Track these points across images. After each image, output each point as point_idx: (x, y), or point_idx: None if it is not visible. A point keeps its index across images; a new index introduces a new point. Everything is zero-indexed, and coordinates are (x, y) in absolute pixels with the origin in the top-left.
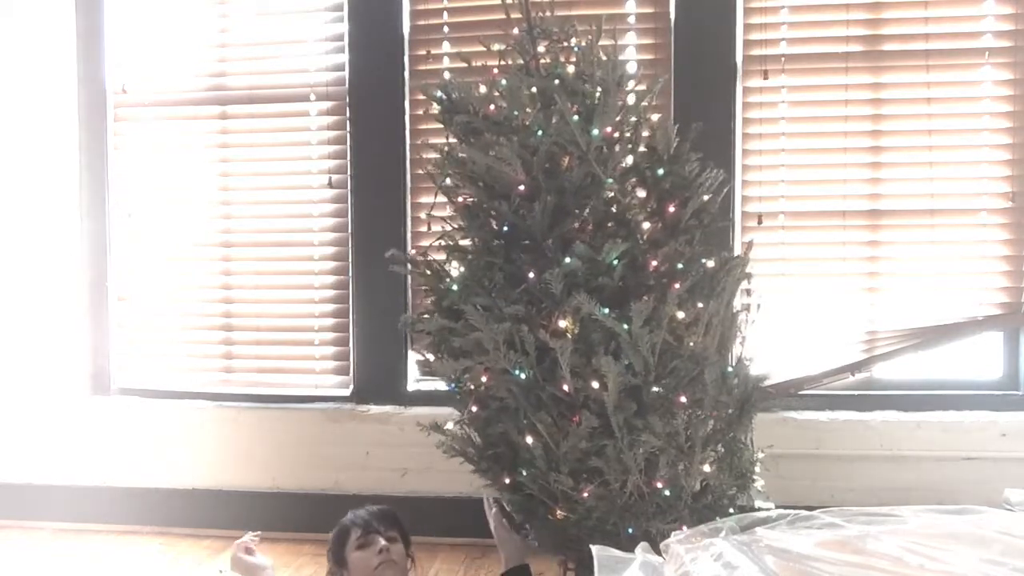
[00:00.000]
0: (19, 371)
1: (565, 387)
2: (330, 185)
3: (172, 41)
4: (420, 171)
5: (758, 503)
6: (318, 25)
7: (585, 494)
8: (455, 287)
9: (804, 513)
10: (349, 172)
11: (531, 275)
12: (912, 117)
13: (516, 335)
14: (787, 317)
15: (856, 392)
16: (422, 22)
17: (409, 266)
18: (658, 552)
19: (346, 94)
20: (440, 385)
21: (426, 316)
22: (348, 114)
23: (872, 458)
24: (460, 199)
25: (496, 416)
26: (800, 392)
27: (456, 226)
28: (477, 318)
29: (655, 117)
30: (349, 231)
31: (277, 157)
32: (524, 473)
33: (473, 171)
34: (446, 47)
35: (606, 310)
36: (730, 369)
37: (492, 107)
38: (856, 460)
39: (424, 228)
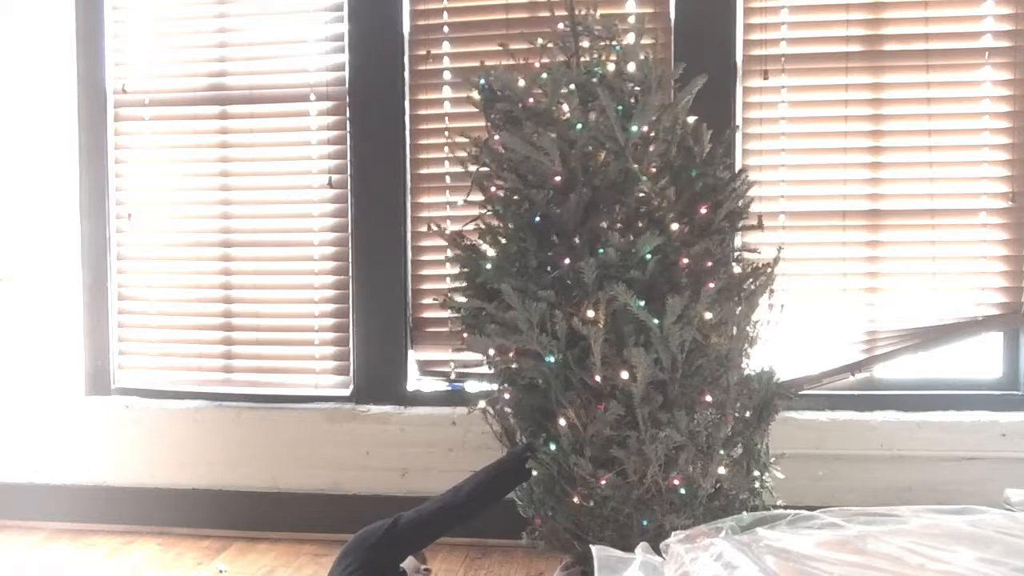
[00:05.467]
0: (19, 371)
1: (597, 377)
2: (330, 185)
3: (172, 41)
4: (421, 171)
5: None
6: (318, 25)
7: (603, 481)
8: (489, 266)
9: (804, 513)
10: (349, 172)
11: (566, 261)
12: (912, 117)
13: (549, 318)
14: (787, 317)
15: (856, 392)
16: (422, 22)
17: (448, 249)
18: (658, 552)
19: (346, 94)
20: (440, 385)
21: (458, 296)
22: (348, 114)
23: (872, 458)
24: (493, 189)
25: (526, 395)
26: (800, 392)
27: (489, 210)
28: (513, 297)
29: (691, 119)
30: (349, 231)
31: (277, 157)
32: (552, 447)
33: (511, 159)
34: (446, 47)
35: (642, 302)
36: (752, 373)
37: (531, 100)
38: (856, 460)
39: (424, 228)
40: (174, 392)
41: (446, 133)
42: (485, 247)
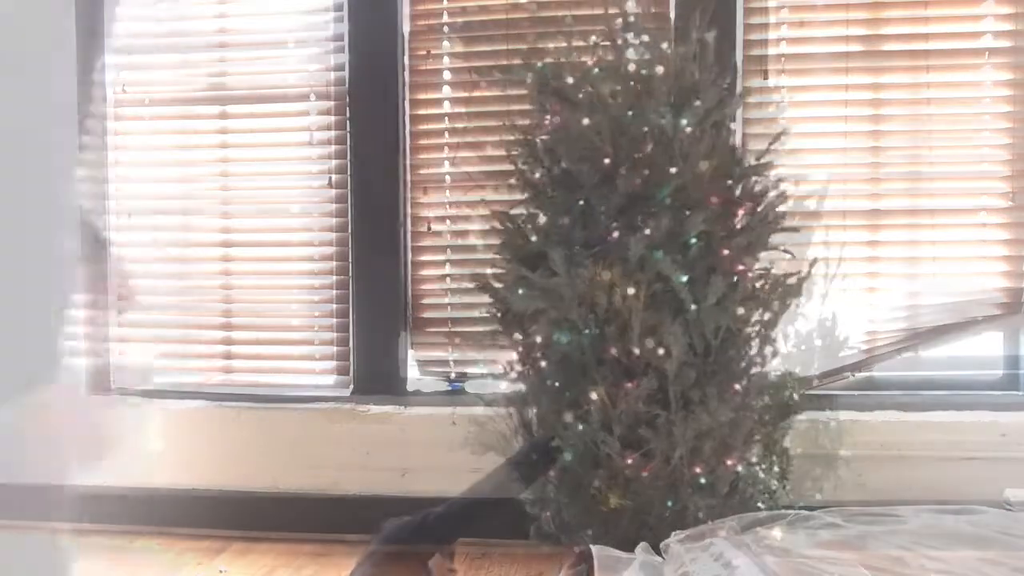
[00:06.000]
0: (18, 370)
1: (634, 349)
2: (330, 185)
3: (172, 41)
4: (421, 171)
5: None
6: (318, 25)
7: (629, 460)
8: (535, 237)
9: (804, 513)
10: (349, 172)
11: (615, 235)
12: (912, 117)
13: (590, 289)
14: (787, 317)
15: (856, 392)
16: (422, 22)
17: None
18: (658, 552)
19: (346, 94)
20: (440, 385)
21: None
22: (348, 114)
23: (872, 458)
24: (537, 175)
25: (556, 371)
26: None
27: (531, 194)
28: (559, 263)
29: (734, 126)
30: (349, 231)
31: (277, 157)
32: (580, 428)
33: (564, 138)
34: (446, 47)
35: (684, 278)
36: (778, 373)
37: (582, 95)
38: (856, 460)
39: (424, 228)
40: (174, 392)
41: (446, 135)
42: (531, 225)
